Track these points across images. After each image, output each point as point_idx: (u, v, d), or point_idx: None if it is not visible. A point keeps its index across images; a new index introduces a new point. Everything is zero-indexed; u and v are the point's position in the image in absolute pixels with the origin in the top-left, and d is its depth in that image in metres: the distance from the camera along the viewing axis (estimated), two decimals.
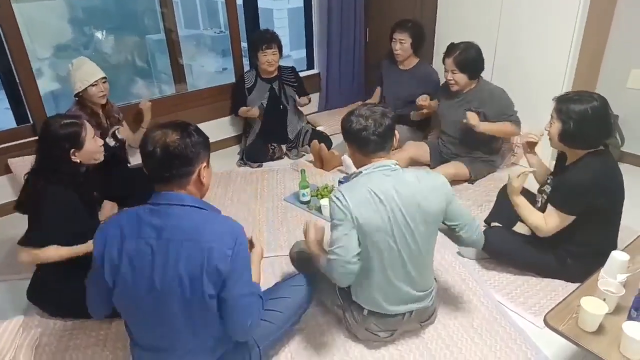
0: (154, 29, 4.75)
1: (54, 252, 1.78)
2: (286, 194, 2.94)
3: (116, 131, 2.62)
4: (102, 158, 1.95)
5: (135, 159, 2.98)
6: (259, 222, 2.65)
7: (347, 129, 1.59)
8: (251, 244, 1.55)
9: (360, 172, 1.60)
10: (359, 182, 1.57)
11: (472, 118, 2.69)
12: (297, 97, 3.43)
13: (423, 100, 3.12)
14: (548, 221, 1.88)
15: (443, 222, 1.67)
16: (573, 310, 1.44)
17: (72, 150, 1.78)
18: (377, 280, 1.62)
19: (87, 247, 1.78)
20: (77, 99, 2.50)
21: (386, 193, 1.52)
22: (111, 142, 2.55)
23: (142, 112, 3.00)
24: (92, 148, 1.85)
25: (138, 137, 2.68)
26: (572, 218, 1.84)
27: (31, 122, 2.84)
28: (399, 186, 1.54)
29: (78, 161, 1.81)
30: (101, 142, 1.92)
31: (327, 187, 2.82)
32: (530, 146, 2.14)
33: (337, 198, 1.54)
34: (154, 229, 1.26)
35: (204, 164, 1.34)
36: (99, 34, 4.80)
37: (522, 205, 1.96)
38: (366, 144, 1.56)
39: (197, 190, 1.36)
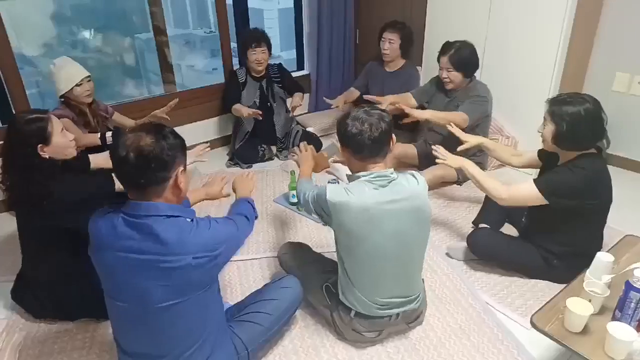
0: (143, 28, 4.72)
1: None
2: (276, 195, 2.93)
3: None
4: (74, 153, 1.86)
5: None
6: None
7: (343, 133, 1.55)
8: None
9: (359, 177, 1.57)
10: (355, 189, 1.53)
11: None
12: (287, 99, 3.41)
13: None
14: (518, 189, 1.90)
15: None
16: (559, 311, 1.45)
17: (40, 146, 1.69)
18: (366, 282, 1.62)
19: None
20: (62, 99, 2.46)
21: (382, 204, 1.51)
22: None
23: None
24: (61, 143, 1.75)
25: None
26: (543, 202, 1.83)
27: None
28: (397, 194, 1.53)
29: (47, 157, 1.71)
30: (72, 136, 1.83)
31: None
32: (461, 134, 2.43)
33: (333, 198, 1.52)
34: (130, 242, 1.21)
35: (181, 168, 1.28)
36: (87, 33, 4.76)
37: (471, 165, 2.08)
38: (361, 149, 1.53)
39: (175, 196, 1.29)
